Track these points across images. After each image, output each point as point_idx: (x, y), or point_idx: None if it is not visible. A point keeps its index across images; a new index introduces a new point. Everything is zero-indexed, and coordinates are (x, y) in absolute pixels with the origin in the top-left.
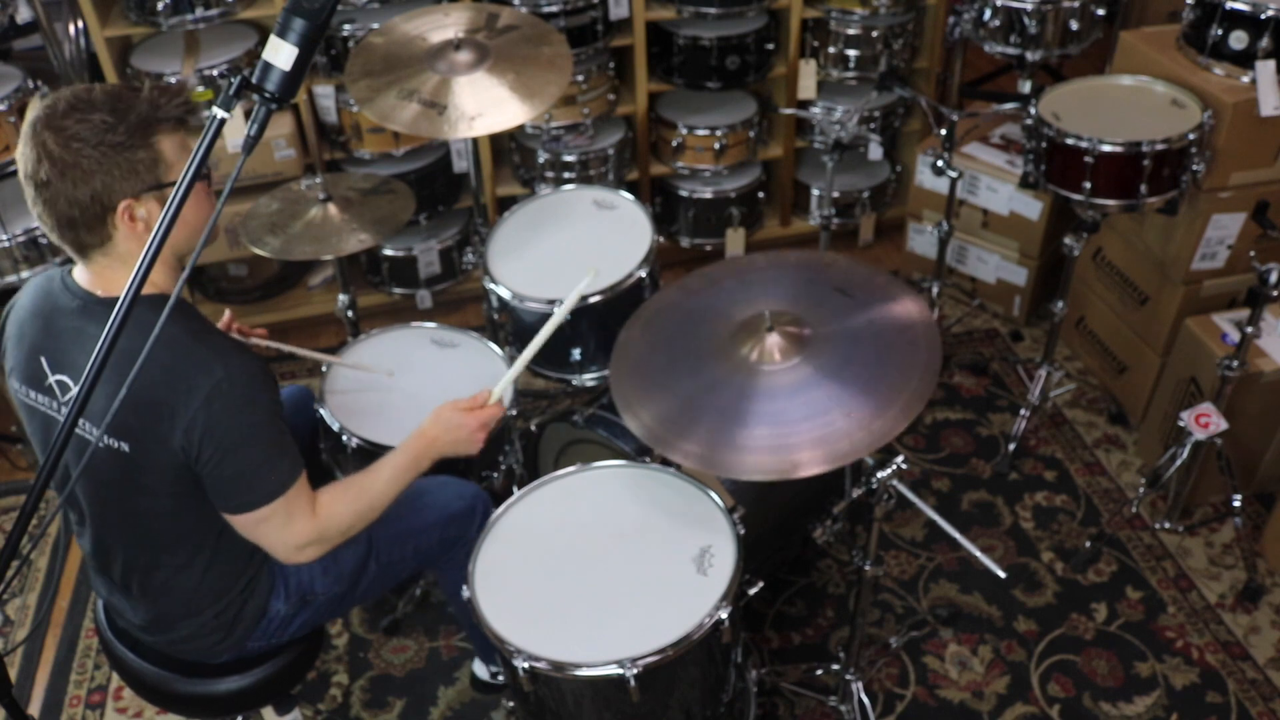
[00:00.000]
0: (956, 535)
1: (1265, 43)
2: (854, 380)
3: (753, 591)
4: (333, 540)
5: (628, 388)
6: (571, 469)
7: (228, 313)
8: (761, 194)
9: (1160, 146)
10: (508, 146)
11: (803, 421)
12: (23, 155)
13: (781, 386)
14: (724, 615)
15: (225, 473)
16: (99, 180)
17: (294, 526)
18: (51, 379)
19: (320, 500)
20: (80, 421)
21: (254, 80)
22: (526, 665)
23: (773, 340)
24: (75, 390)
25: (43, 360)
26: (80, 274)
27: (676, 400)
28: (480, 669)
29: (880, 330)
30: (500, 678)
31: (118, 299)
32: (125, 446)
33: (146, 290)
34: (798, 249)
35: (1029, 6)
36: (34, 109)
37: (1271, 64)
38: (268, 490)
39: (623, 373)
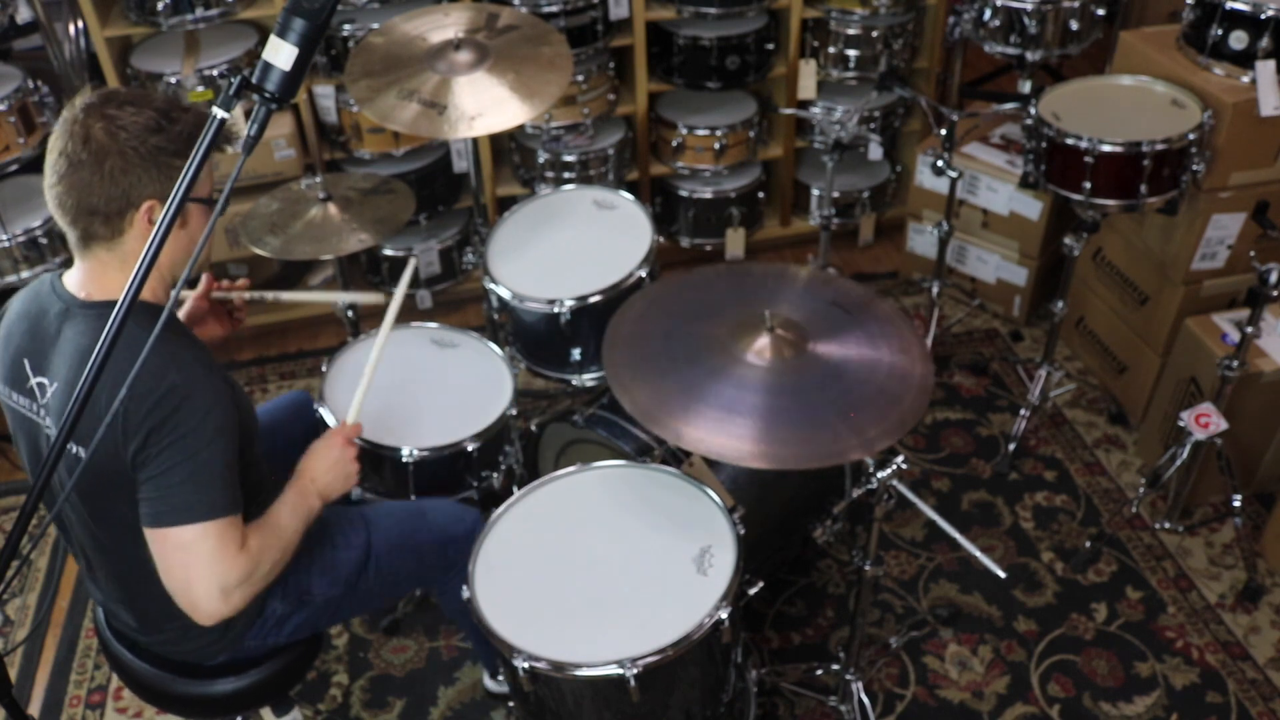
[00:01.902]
0: (956, 535)
1: (1265, 43)
2: (833, 400)
3: (753, 591)
4: (259, 583)
5: (620, 363)
6: (571, 469)
7: (205, 277)
8: (761, 194)
9: (1160, 146)
10: (508, 146)
11: (785, 417)
12: (63, 134)
13: (767, 384)
14: (724, 615)
15: (159, 484)
16: (135, 175)
17: (225, 561)
18: (32, 381)
19: (249, 540)
20: (50, 426)
21: (254, 80)
22: (526, 665)
23: (764, 341)
24: (50, 393)
25: (25, 363)
26: (71, 277)
27: (667, 379)
28: (489, 682)
29: (872, 366)
30: (505, 686)
31: (101, 303)
32: (82, 452)
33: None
34: (800, 264)
35: (1029, 6)
36: (86, 95)
37: (1271, 64)
38: (197, 508)
39: (616, 348)
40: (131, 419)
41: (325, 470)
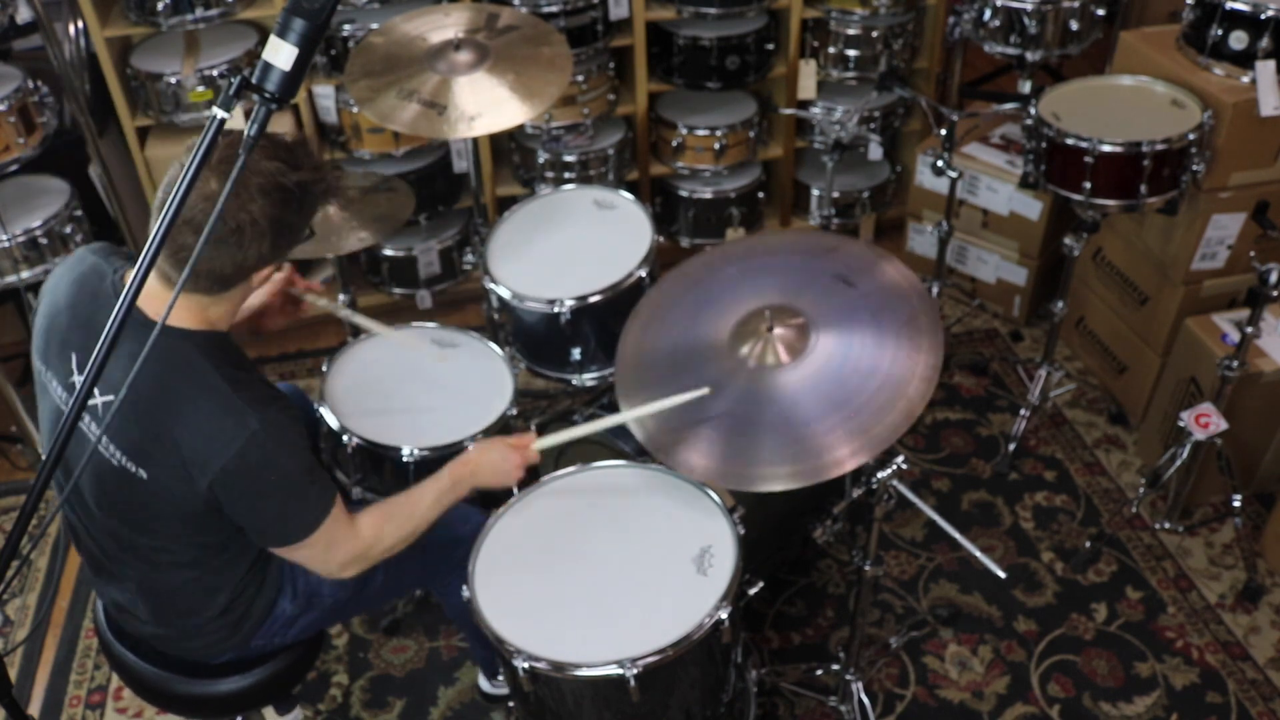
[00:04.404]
0: (956, 535)
1: (1265, 43)
2: (860, 360)
3: (753, 591)
4: (375, 559)
5: (634, 397)
6: (571, 469)
7: (288, 267)
8: (761, 194)
9: (1160, 146)
10: (508, 146)
11: (818, 420)
12: (195, 195)
13: (790, 386)
14: (724, 615)
15: (261, 518)
16: (260, 248)
17: (334, 552)
18: (75, 377)
19: (361, 522)
20: (101, 436)
21: (254, 80)
22: (526, 665)
23: (775, 338)
24: (99, 400)
25: (73, 357)
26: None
27: (684, 412)
28: (484, 683)
29: (878, 305)
30: (504, 689)
31: (165, 326)
32: (142, 473)
33: (196, 325)
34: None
35: (1029, 6)
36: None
37: (1271, 64)
38: (304, 526)
39: (627, 380)
40: (228, 474)
41: (491, 466)
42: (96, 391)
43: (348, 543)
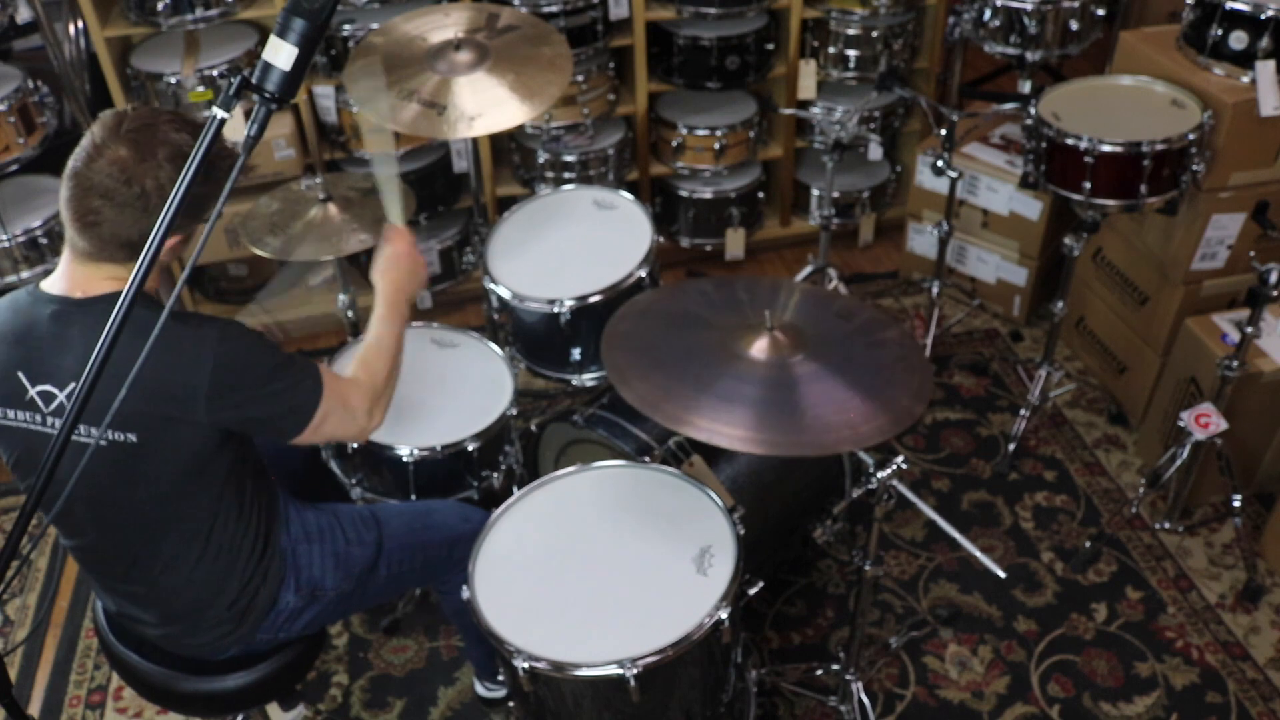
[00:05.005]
0: (956, 535)
1: (1265, 43)
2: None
3: (753, 591)
4: (386, 393)
5: (619, 355)
6: (571, 469)
7: None
8: (761, 194)
9: (1160, 146)
10: (508, 146)
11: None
12: (104, 165)
13: (763, 377)
14: (724, 615)
15: (271, 409)
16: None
17: (352, 408)
18: (33, 392)
19: (353, 371)
20: (72, 424)
21: (254, 80)
22: (526, 665)
23: (765, 340)
24: (62, 396)
25: (20, 375)
26: (55, 282)
27: (662, 369)
28: (479, 687)
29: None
30: (498, 692)
31: (95, 299)
32: (133, 437)
33: (123, 288)
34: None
35: (1029, 6)
36: (124, 120)
37: (1271, 64)
38: (312, 397)
39: (615, 342)
40: (217, 390)
41: (407, 276)
42: (54, 389)
43: (355, 390)
